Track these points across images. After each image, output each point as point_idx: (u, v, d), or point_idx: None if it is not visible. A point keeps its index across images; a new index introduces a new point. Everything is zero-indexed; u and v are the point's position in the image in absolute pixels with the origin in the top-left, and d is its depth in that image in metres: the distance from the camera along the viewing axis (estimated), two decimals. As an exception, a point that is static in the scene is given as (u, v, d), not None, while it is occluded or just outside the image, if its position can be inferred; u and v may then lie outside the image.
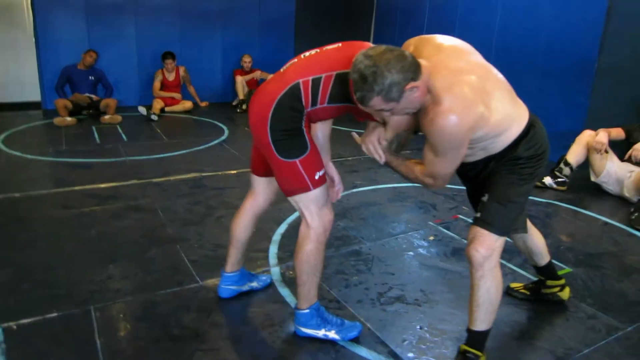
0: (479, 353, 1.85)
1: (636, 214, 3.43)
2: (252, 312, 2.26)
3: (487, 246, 1.76)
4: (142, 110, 6.12)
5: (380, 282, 2.55)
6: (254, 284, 2.41)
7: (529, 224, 2.20)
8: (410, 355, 1.98)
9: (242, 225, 2.24)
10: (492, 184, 1.82)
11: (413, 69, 1.55)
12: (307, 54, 1.91)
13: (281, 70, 1.91)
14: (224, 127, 5.80)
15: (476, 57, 1.74)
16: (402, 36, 6.63)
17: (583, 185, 4.16)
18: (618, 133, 4.00)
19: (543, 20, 4.85)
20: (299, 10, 7.55)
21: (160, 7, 6.73)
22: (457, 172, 2.00)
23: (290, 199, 1.92)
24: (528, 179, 1.79)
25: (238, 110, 6.84)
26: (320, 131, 1.95)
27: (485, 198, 1.81)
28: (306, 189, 1.86)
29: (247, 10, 7.25)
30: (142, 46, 6.72)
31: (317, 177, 1.87)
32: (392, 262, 2.75)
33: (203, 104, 7.04)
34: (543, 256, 2.29)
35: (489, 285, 1.78)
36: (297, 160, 1.83)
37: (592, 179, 4.07)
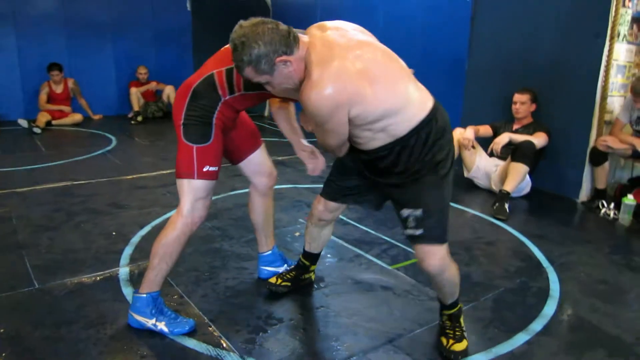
0: (459, 305, 2.01)
1: (497, 204, 3.63)
2: (84, 311, 2.13)
3: (440, 257, 1.75)
4: (23, 123, 5.78)
5: (232, 276, 2.51)
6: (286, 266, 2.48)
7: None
8: (241, 344, 1.94)
9: (252, 208, 2.38)
10: (417, 194, 1.71)
11: (285, 42, 1.54)
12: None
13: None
14: (113, 138, 5.58)
15: (364, 36, 1.69)
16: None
17: (457, 181, 4.35)
18: (486, 130, 4.25)
19: (418, 28, 5.14)
20: (195, 20, 7.50)
21: (43, 17, 6.42)
22: (357, 165, 1.89)
23: (177, 180, 1.95)
24: (448, 174, 1.75)
25: (132, 122, 6.63)
26: (281, 118, 2.20)
27: (418, 212, 1.71)
28: (190, 176, 1.90)
29: (140, 21, 7.10)
30: (25, 58, 6.37)
31: (204, 170, 1.91)
32: (250, 259, 2.72)
33: (96, 117, 6.77)
34: (323, 245, 2.34)
35: (451, 277, 1.85)
36: (194, 146, 1.90)
37: (465, 174, 4.29)
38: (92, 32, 6.77)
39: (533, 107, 4.12)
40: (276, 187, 4.00)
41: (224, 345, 1.93)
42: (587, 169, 4.05)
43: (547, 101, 4.15)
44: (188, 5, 7.41)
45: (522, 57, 4.36)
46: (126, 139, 5.67)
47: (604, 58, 3.87)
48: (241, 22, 1.61)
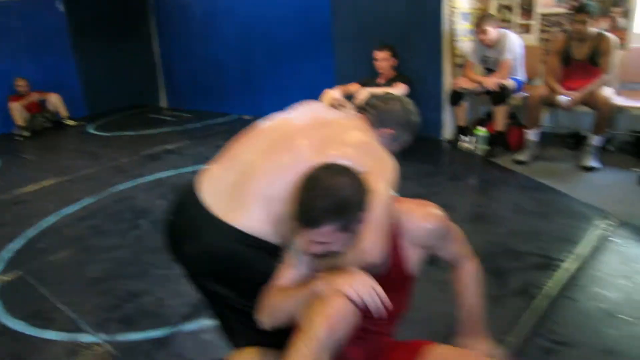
0: None
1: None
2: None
3: None
4: None
5: (99, 267, 2.64)
6: None
7: None
8: (96, 324, 2.10)
9: None
10: None
11: None
12: None
13: None
14: (-3, 160, 5.43)
15: None
16: (186, 28, 6.80)
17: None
18: (355, 88, 4.50)
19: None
20: (72, 23, 7.26)
21: None
22: None
23: None
24: None
25: (18, 138, 6.41)
26: None
27: None
28: None
29: (9, 31, 6.79)
30: None
31: None
32: (118, 248, 2.86)
33: (-20, 140, 6.49)
34: None
35: None
36: None
37: (342, 133, 4.55)
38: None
39: (393, 61, 4.41)
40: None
41: (80, 328, 2.08)
42: (448, 109, 4.44)
43: (404, 53, 4.46)
44: (59, 5, 7.13)
45: (377, 15, 4.68)
46: (11, 157, 5.50)
47: (444, 7, 4.22)
48: None
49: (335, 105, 4.33)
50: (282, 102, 6.50)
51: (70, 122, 6.87)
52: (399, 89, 4.24)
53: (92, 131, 6.46)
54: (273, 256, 1.29)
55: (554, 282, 2.16)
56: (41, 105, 6.81)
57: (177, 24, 7.09)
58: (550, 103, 3.80)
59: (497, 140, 4.06)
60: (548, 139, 4.07)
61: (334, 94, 4.29)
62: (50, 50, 7.18)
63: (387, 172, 1.40)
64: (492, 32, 4.02)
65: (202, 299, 1.54)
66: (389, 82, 4.37)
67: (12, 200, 3.98)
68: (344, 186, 1.19)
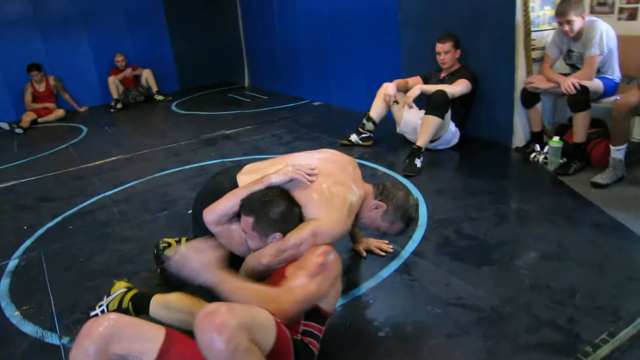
0: None
1: (407, 161, 3.56)
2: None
3: None
4: (4, 125, 6.19)
5: (103, 260, 2.69)
6: None
7: None
8: (67, 324, 2.13)
9: None
10: None
11: None
12: None
13: None
14: (85, 129, 5.88)
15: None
16: (265, 11, 6.74)
17: (390, 138, 4.28)
18: (416, 81, 4.11)
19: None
20: (167, 1, 7.61)
21: (16, 20, 6.71)
22: None
23: None
24: None
25: (112, 110, 6.91)
26: None
27: None
28: None
29: (110, 9, 7.27)
30: (4, 62, 6.72)
31: None
32: (131, 240, 2.90)
33: (82, 109, 7.09)
34: None
35: None
36: None
37: (397, 130, 4.21)
38: (65, 27, 7.01)
39: (457, 53, 3.96)
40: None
41: (53, 327, 2.12)
42: (519, 111, 3.87)
43: (470, 44, 3.97)
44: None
45: (443, 2, 4.19)
46: (96, 129, 5.94)
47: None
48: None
49: (387, 102, 4.04)
50: (349, 90, 6.27)
51: (159, 97, 7.26)
52: (460, 86, 3.82)
53: (173, 108, 6.75)
54: None
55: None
56: (135, 80, 7.27)
57: (258, 6, 7.07)
58: (644, 113, 3.13)
59: (576, 154, 3.41)
60: (641, 156, 3.37)
61: (390, 89, 4.02)
62: (146, 28, 7.60)
63: (331, 228, 1.76)
64: (578, 21, 3.29)
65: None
66: (451, 76, 3.93)
67: (74, 174, 4.26)
68: (279, 209, 1.73)
